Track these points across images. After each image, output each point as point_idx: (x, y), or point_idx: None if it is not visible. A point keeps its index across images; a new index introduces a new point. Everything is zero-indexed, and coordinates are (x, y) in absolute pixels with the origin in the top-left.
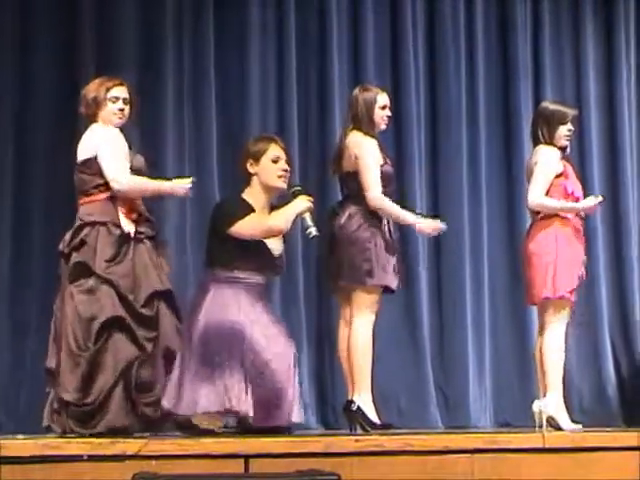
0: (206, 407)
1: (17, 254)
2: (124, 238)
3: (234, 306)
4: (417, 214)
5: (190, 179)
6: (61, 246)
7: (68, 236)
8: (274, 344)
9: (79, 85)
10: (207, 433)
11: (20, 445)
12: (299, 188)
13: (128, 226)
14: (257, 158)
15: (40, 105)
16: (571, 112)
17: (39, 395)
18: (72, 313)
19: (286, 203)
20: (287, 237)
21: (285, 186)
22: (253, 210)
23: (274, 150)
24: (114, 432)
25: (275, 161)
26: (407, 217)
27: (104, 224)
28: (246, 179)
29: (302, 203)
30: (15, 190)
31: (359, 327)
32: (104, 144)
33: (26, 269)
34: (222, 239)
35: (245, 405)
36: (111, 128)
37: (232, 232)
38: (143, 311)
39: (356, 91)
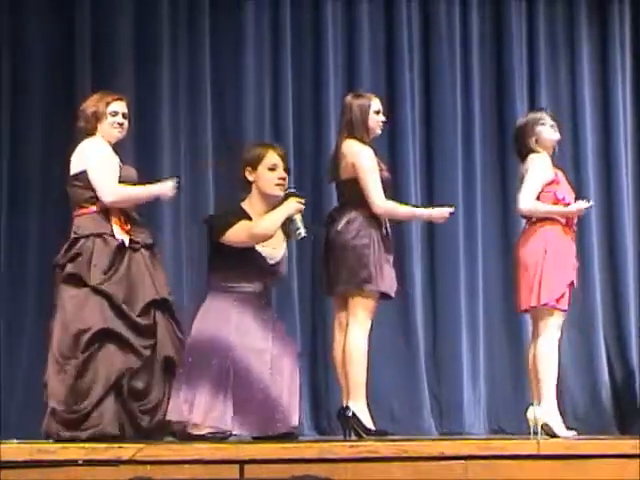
0: (178, 417)
1: (12, 258)
2: (120, 248)
3: (222, 318)
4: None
5: (174, 179)
6: (57, 258)
7: (64, 249)
8: (258, 355)
9: (74, 95)
10: (201, 439)
11: (15, 450)
12: (293, 190)
13: (123, 236)
14: (254, 166)
15: (35, 115)
16: (540, 113)
17: (34, 399)
18: (61, 324)
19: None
20: (289, 243)
21: (282, 194)
22: (247, 217)
23: (271, 158)
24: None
25: (272, 169)
26: (418, 212)
27: (99, 235)
28: (245, 187)
29: (292, 205)
30: (10, 196)
31: (355, 333)
32: (92, 158)
33: (21, 274)
34: (217, 248)
35: (208, 418)
36: (101, 142)
37: (223, 241)
38: (139, 320)
39: (349, 98)
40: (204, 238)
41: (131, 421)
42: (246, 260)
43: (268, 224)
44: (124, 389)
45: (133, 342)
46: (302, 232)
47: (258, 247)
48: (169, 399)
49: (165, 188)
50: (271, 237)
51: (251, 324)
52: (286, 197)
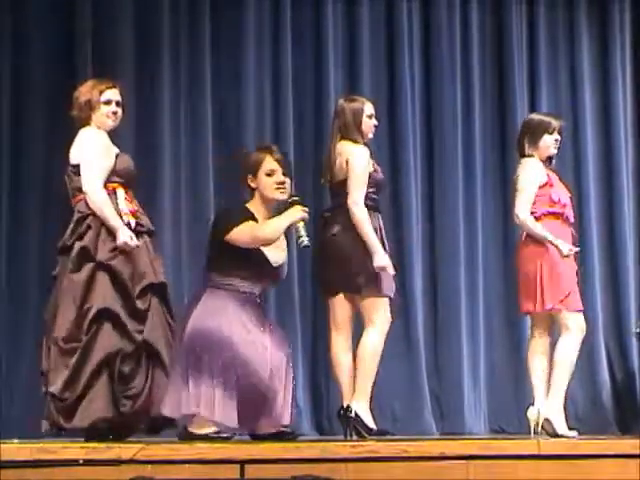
0: (184, 411)
1: (14, 254)
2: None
3: (222, 313)
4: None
5: (138, 243)
6: (63, 240)
7: (70, 229)
8: (261, 353)
9: (75, 88)
10: (202, 438)
11: (16, 449)
12: (297, 198)
13: (129, 218)
14: (254, 173)
15: (36, 114)
16: (556, 122)
17: (34, 399)
18: (66, 306)
19: (282, 212)
20: (290, 247)
21: (284, 197)
22: (253, 218)
23: (268, 163)
24: (98, 424)
25: (270, 174)
26: (373, 241)
27: None
28: (249, 193)
29: (295, 213)
30: (11, 191)
31: (373, 335)
32: (86, 151)
33: (22, 270)
34: (220, 245)
35: (215, 413)
36: (96, 134)
37: (228, 239)
38: (137, 303)
39: (342, 102)
40: (204, 237)
41: (115, 406)
42: (251, 261)
43: (272, 229)
44: (115, 372)
45: (128, 325)
46: (305, 241)
47: (264, 249)
48: (151, 388)
49: (125, 235)
50: (273, 242)
51: (250, 321)
52: (291, 204)
